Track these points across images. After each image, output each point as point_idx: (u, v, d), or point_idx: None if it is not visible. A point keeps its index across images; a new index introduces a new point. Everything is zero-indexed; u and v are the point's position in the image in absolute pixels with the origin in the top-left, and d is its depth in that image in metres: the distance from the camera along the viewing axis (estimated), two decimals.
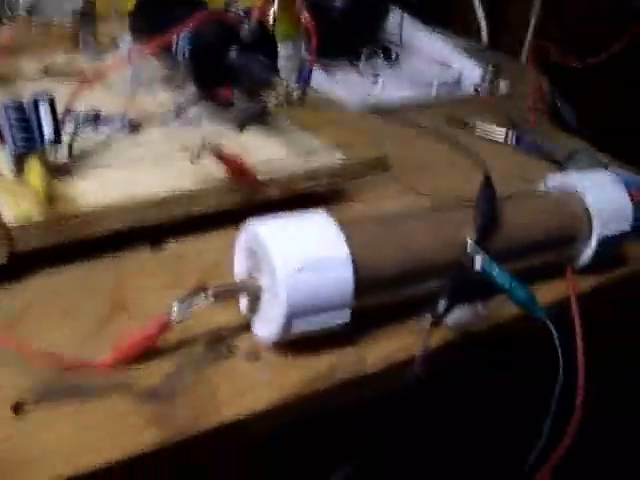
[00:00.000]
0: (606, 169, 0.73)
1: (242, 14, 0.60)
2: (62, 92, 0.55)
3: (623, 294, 0.62)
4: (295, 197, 0.59)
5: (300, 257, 0.43)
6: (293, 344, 0.46)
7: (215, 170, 0.55)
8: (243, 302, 0.48)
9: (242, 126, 0.54)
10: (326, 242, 0.44)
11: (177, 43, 0.61)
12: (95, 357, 0.42)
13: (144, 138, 0.61)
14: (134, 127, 0.61)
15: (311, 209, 0.47)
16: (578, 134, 0.85)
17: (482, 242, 0.50)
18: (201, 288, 0.44)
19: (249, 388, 0.44)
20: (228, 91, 0.61)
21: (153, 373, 0.43)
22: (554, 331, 0.47)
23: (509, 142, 0.82)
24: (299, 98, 0.54)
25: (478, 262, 0.49)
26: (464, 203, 0.53)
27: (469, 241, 0.49)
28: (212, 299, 0.44)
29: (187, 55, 0.60)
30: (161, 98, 0.67)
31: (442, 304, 0.46)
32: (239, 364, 0.45)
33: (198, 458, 0.42)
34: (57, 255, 0.50)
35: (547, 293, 0.57)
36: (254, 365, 0.45)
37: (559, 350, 0.46)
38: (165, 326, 0.44)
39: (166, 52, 0.64)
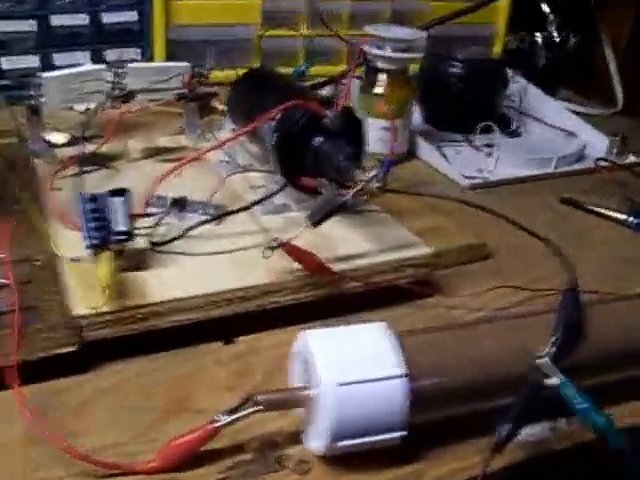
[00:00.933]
0: None
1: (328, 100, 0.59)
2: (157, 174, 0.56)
3: None
4: (380, 291, 0.57)
5: (346, 370, 0.41)
6: (346, 457, 0.44)
7: (292, 265, 0.54)
8: (299, 410, 0.46)
9: (316, 223, 0.53)
10: (379, 355, 0.42)
11: (265, 129, 0.61)
12: (141, 458, 0.42)
13: (227, 227, 0.60)
14: (218, 214, 0.61)
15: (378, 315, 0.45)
16: None
17: (560, 357, 0.45)
18: (250, 398, 0.43)
19: None
20: (313, 180, 0.60)
21: None
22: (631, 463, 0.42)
23: (629, 225, 0.75)
24: (379, 189, 0.52)
25: (552, 381, 0.44)
26: (546, 307, 0.49)
27: (544, 357, 0.45)
28: (260, 408, 0.42)
29: (273, 142, 0.60)
30: (252, 181, 0.67)
31: (506, 427, 0.42)
32: (287, 477, 0.43)
33: None
34: (126, 347, 0.51)
35: None
36: (302, 479, 0.43)
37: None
38: (210, 435, 0.43)
39: (258, 136, 0.64)
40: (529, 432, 0.48)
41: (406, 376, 0.41)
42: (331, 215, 0.53)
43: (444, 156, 0.84)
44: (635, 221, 0.75)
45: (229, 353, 0.53)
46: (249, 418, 0.44)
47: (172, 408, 0.47)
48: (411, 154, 0.88)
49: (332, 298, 0.55)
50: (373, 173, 0.53)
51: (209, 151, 0.64)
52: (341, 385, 0.41)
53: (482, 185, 0.81)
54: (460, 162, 0.84)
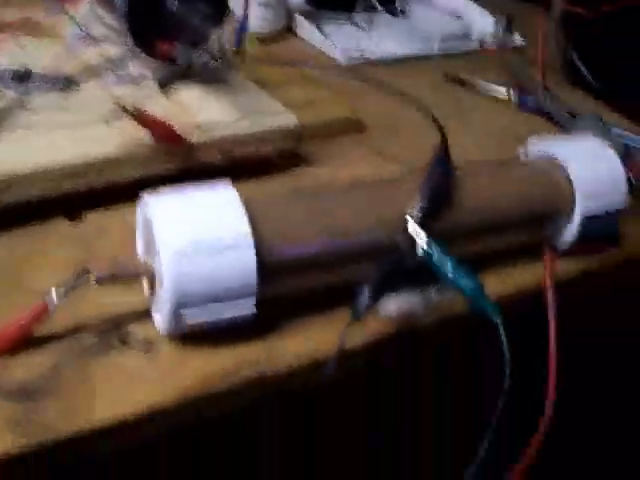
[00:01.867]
0: (610, 133, 0.64)
1: None
2: None
3: (615, 283, 0.54)
4: (244, 163, 0.53)
5: (189, 237, 0.37)
6: (194, 336, 0.40)
7: (141, 134, 0.49)
8: (145, 284, 0.42)
9: (164, 85, 0.48)
10: (224, 220, 0.38)
11: None
12: None
13: (75, 99, 0.54)
14: (67, 85, 0.54)
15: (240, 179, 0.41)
16: (595, 93, 0.76)
17: (426, 220, 0.42)
18: (84, 270, 0.38)
19: (134, 385, 0.38)
20: (169, 45, 0.54)
21: (25, 367, 0.38)
22: (502, 335, 0.39)
23: (512, 101, 0.73)
24: (235, 52, 0.47)
25: (419, 245, 0.41)
26: (413, 174, 0.45)
27: (409, 220, 0.41)
28: (94, 282, 0.38)
29: (124, 5, 0.54)
30: (108, 54, 0.61)
31: (365, 294, 0.39)
32: (130, 357, 0.39)
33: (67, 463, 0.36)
34: None
35: (519, 279, 0.49)
36: (146, 358, 0.39)
37: (506, 356, 0.39)
38: (41, 314, 0.38)
39: (111, 3, 0.57)
40: (396, 304, 0.45)
41: (253, 244, 0.37)
42: (180, 77, 0.48)
43: (323, 33, 0.79)
44: (516, 96, 0.72)
45: (74, 232, 0.48)
46: (90, 296, 0.40)
47: (11, 290, 0.42)
48: (290, 31, 0.83)
49: (190, 171, 0.51)
50: (225, 34, 0.48)
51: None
52: (181, 252, 0.36)
53: (362, 62, 0.76)
54: (340, 39, 0.79)
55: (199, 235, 0.37)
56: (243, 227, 0.37)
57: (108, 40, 0.63)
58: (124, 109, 0.46)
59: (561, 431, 0.47)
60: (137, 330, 0.41)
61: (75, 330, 0.40)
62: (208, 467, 0.51)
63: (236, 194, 0.39)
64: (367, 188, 0.44)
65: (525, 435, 0.43)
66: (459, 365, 0.56)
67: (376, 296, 0.39)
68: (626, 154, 0.62)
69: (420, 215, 0.42)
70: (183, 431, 0.39)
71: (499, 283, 0.48)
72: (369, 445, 0.62)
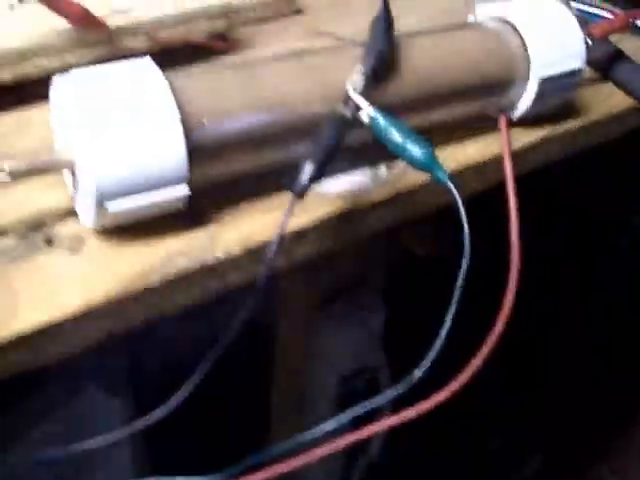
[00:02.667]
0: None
1: None
2: None
3: (573, 153, 0.51)
4: (172, 49, 0.49)
5: (106, 118, 0.33)
6: (125, 230, 0.36)
7: (53, 21, 0.44)
8: (68, 178, 0.38)
9: None
10: (145, 95, 0.34)
11: None
12: None
13: None
14: None
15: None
16: None
17: (370, 89, 0.38)
18: None
19: (60, 287, 0.34)
20: None
21: None
22: (457, 196, 0.36)
23: None
24: None
25: (364, 115, 0.38)
26: (353, 45, 0.42)
27: (350, 87, 0.38)
28: (7, 178, 0.34)
29: None
30: None
31: (308, 169, 0.35)
32: (55, 258, 0.36)
33: None
34: None
35: (474, 151, 0.46)
36: (73, 258, 0.36)
37: (464, 221, 0.36)
38: None
39: None
40: (346, 182, 0.42)
41: (179, 119, 0.33)
42: None
43: None
44: None
45: None
46: (9, 195, 0.37)
47: None
48: None
49: (111, 59, 0.46)
50: None
51: None
52: (100, 135, 0.33)
53: None
54: None
55: (117, 113, 0.33)
56: (168, 102, 0.33)
57: None
58: None
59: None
60: (63, 229, 0.37)
61: None
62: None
63: (156, 67, 0.35)
64: (305, 57, 0.40)
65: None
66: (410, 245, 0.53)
67: (319, 172, 0.35)
68: (581, 21, 0.58)
69: (363, 83, 0.38)
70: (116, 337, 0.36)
71: (452, 159, 0.45)
72: None
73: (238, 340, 0.35)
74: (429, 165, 0.36)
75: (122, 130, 0.33)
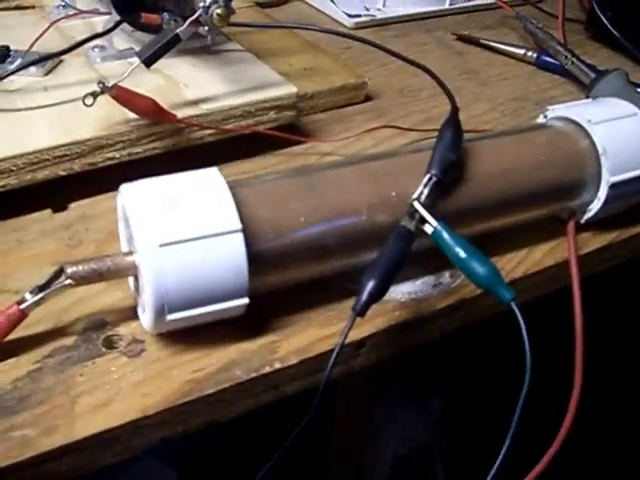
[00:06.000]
0: (636, 91, 0.59)
1: None
2: None
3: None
4: (239, 140, 0.49)
5: (169, 229, 0.33)
6: (185, 334, 0.36)
7: (123, 113, 0.45)
8: (131, 280, 0.38)
9: (147, 61, 0.44)
10: (208, 209, 0.34)
11: None
12: None
13: (57, 77, 0.51)
14: (50, 63, 0.51)
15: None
16: (620, 49, 0.70)
17: (435, 199, 0.38)
18: (60, 270, 0.35)
19: (117, 394, 0.34)
20: (154, 15, 0.50)
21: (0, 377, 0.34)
22: (520, 318, 0.35)
23: (529, 61, 0.68)
24: (222, 18, 0.43)
25: (428, 228, 0.37)
26: (420, 148, 0.41)
27: (416, 201, 0.37)
28: (70, 282, 0.34)
29: None
30: (96, 28, 0.57)
31: (370, 287, 0.35)
32: (114, 361, 0.36)
33: None
34: None
35: (541, 255, 0.45)
36: (131, 363, 0.36)
37: (526, 343, 0.35)
38: (16, 317, 0.35)
39: None
40: (408, 290, 0.41)
41: (242, 231, 0.34)
42: (165, 50, 0.44)
43: None
44: (534, 55, 0.67)
45: (58, 222, 0.45)
46: (75, 295, 0.37)
47: None
48: None
49: (180, 151, 0.47)
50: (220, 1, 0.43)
51: None
52: (163, 246, 0.33)
53: (369, 24, 0.72)
54: (345, 1, 0.74)
55: (179, 225, 0.33)
56: (229, 213, 0.34)
57: (95, 12, 0.58)
58: (104, 86, 0.42)
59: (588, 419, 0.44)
60: (123, 331, 0.37)
61: (55, 334, 0.37)
62: None
63: (221, 177, 0.35)
64: (368, 165, 0.40)
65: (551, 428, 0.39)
66: (478, 354, 0.52)
67: (381, 291, 0.35)
68: None
69: (428, 195, 0.38)
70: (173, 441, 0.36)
71: (517, 262, 0.44)
72: None
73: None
74: (492, 285, 0.36)
75: (186, 243, 0.33)
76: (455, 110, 0.41)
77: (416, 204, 0.37)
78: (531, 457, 0.38)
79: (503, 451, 0.35)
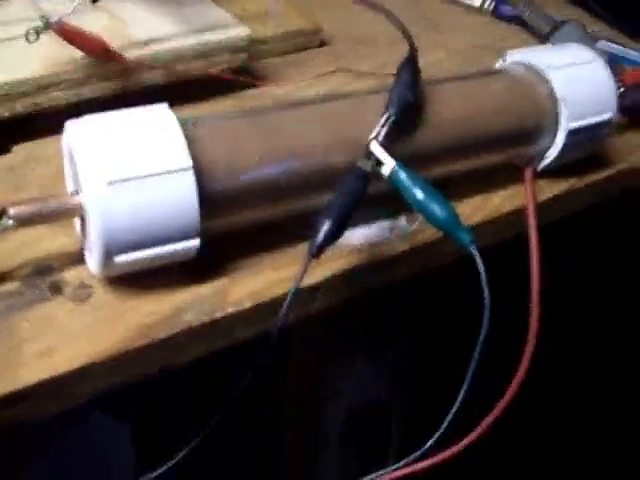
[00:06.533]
0: (594, 43, 0.59)
1: None
2: None
3: (601, 204, 0.49)
4: (190, 83, 0.47)
5: (116, 166, 0.31)
6: (134, 277, 0.35)
7: (69, 52, 0.43)
8: (77, 222, 0.37)
9: None
10: (157, 145, 0.33)
11: None
12: None
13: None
14: None
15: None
16: (579, 1, 0.70)
17: (392, 140, 0.37)
18: (2, 212, 0.33)
19: (64, 341, 0.33)
20: None
21: None
22: (479, 262, 0.35)
23: (487, 10, 0.67)
24: None
25: (385, 169, 0.36)
26: (376, 91, 0.40)
27: (372, 141, 0.36)
28: (12, 224, 0.33)
29: None
30: None
31: (325, 229, 0.34)
32: (61, 307, 0.35)
33: None
34: None
35: (499, 202, 0.45)
36: (78, 308, 0.34)
37: (485, 288, 0.34)
38: None
39: None
40: (364, 234, 0.41)
41: (192, 169, 0.32)
42: None
43: None
44: (492, 4, 0.66)
45: (2, 164, 0.42)
46: (19, 239, 0.36)
47: None
48: None
49: (128, 93, 0.45)
50: None
51: None
52: (110, 184, 0.31)
53: None
54: None
55: (127, 163, 0.32)
56: (179, 151, 0.32)
57: None
58: (48, 24, 0.40)
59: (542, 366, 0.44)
60: (70, 274, 0.36)
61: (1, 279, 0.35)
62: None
63: (171, 115, 0.34)
64: (324, 106, 0.39)
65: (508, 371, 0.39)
66: (434, 303, 0.52)
67: (336, 233, 0.34)
68: (612, 66, 0.57)
69: (385, 136, 0.37)
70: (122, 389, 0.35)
71: (475, 208, 0.43)
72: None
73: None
74: (451, 228, 0.35)
75: (134, 181, 0.32)
76: (413, 50, 0.40)
77: (373, 144, 0.36)
78: (486, 408, 0.38)
79: (460, 398, 0.35)
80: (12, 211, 0.33)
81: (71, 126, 0.33)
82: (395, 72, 0.40)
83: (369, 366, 0.69)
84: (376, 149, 0.36)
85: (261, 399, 0.69)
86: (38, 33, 0.41)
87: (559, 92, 0.43)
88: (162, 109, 0.34)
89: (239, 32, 0.48)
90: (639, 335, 0.81)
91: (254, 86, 0.49)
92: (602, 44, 0.61)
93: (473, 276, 0.35)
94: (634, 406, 0.87)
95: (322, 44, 0.57)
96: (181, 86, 0.47)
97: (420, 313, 0.66)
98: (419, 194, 0.35)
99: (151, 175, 0.32)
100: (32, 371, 0.32)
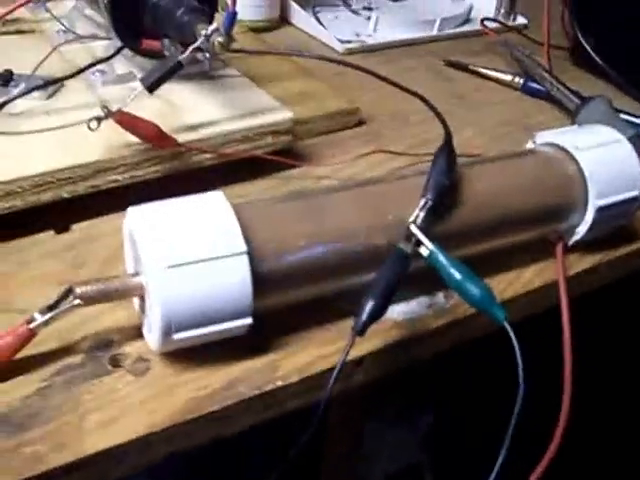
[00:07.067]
0: (619, 117, 0.61)
1: None
2: None
3: (627, 274, 0.51)
4: (238, 164, 0.50)
5: (176, 251, 0.34)
6: (189, 352, 0.37)
7: (125, 137, 0.46)
8: (136, 301, 0.39)
9: (149, 84, 0.45)
10: (214, 232, 0.35)
11: None
12: None
13: (59, 101, 0.52)
14: (52, 87, 0.52)
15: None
16: (604, 76, 0.72)
17: (431, 222, 0.39)
18: (68, 290, 0.36)
19: (124, 411, 0.35)
20: (155, 41, 0.51)
21: (10, 395, 0.36)
22: (514, 338, 0.37)
23: (516, 86, 0.70)
24: (221, 45, 0.44)
25: (423, 250, 0.39)
26: (415, 172, 0.43)
27: (412, 224, 0.39)
28: (79, 302, 0.36)
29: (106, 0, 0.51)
30: (96, 53, 0.58)
31: (369, 308, 0.36)
32: (121, 379, 0.37)
33: None
34: None
35: (530, 276, 0.47)
36: (138, 381, 0.37)
37: (519, 363, 0.36)
38: (25, 337, 0.36)
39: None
40: (404, 310, 0.43)
41: (247, 253, 0.35)
42: (168, 77, 0.45)
43: (319, 21, 0.76)
44: (521, 81, 0.69)
45: (61, 243, 0.46)
46: (81, 314, 0.38)
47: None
48: (285, 21, 0.80)
49: (180, 174, 0.48)
50: (213, 27, 0.45)
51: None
52: (170, 267, 0.34)
53: (360, 49, 0.74)
54: (337, 27, 0.76)
55: (186, 248, 0.34)
56: (235, 236, 0.35)
57: (95, 38, 0.60)
58: (108, 111, 0.44)
59: (578, 435, 0.45)
60: (129, 349, 0.38)
61: (63, 353, 0.38)
62: None
63: (226, 201, 0.36)
64: (366, 189, 0.42)
65: (543, 441, 0.41)
66: (472, 371, 0.53)
67: (380, 311, 0.36)
68: (638, 138, 0.59)
69: (423, 219, 0.39)
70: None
71: (508, 283, 0.46)
72: None
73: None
74: (485, 306, 0.37)
75: (192, 265, 0.34)
76: (449, 136, 0.43)
77: (412, 227, 0.39)
78: (523, 473, 0.39)
79: (496, 467, 0.36)
80: (78, 290, 0.36)
81: (133, 212, 0.36)
82: (432, 155, 0.43)
83: (403, 432, 0.70)
84: (415, 232, 0.38)
85: (298, 464, 0.71)
86: (99, 121, 0.44)
87: (587, 171, 0.46)
88: (217, 196, 0.37)
89: (282, 115, 0.51)
90: None
91: (296, 166, 0.52)
92: (626, 116, 0.63)
93: (506, 348, 0.37)
94: None
95: (359, 123, 0.59)
96: (228, 167, 0.50)
97: (452, 381, 0.67)
98: (456, 275, 0.38)
99: (208, 259, 0.34)
100: (95, 440, 0.34)
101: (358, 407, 0.65)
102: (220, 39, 0.45)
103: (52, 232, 0.46)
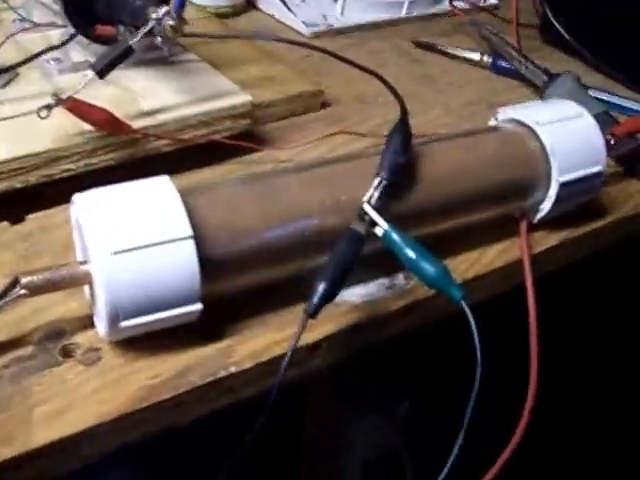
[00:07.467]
0: (587, 93, 0.60)
1: None
2: None
3: (594, 252, 0.51)
4: (195, 149, 0.50)
5: (121, 237, 0.33)
6: (140, 340, 0.37)
7: (78, 125, 0.45)
8: (87, 289, 0.38)
9: (101, 72, 0.44)
10: (159, 217, 0.34)
11: None
12: None
13: (13, 90, 0.51)
14: (6, 75, 0.51)
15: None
16: (576, 54, 0.72)
17: (385, 202, 0.39)
18: (15, 280, 0.35)
19: (74, 402, 0.34)
20: (109, 27, 0.50)
21: None
22: (471, 318, 0.36)
23: (485, 65, 0.69)
24: (173, 28, 0.43)
25: (378, 230, 0.38)
26: (369, 153, 0.42)
27: (366, 203, 0.38)
28: (25, 292, 0.35)
29: None
30: (53, 41, 0.57)
31: (321, 289, 0.35)
32: (71, 370, 0.36)
33: None
34: None
35: (494, 255, 0.46)
36: (89, 370, 0.36)
37: (476, 342, 0.36)
38: None
39: None
40: (362, 292, 0.42)
41: (192, 237, 0.34)
42: (119, 61, 0.45)
43: (286, 5, 0.75)
44: (490, 60, 0.69)
45: (15, 234, 0.45)
46: (33, 305, 0.38)
47: None
48: (251, 4, 0.79)
49: (137, 161, 0.47)
50: (163, 10, 0.44)
51: None
52: (115, 254, 0.33)
53: (327, 32, 0.73)
54: (304, 10, 0.75)
55: (130, 233, 0.34)
56: (180, 221, 0.34)
57: (52, 26, 0.59)
58: (58, 99, 0.43)
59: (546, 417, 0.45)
60: (80, 339, 0.38)
61: (12, 345, 0.37)
62: None
63: (172, 186, 0.36)
64: (321, 169, 0.41)
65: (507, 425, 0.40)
66: (432, 353, 0.53)
67: (332, 292, 0.35)
68: (606, 114, 0.59)
69: (377, 198, 0.38)
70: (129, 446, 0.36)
71: (471, 263, 0.45)
72: None
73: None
74: (442, 285, 0.36)
75: (138, 250, 0.34)
76: (405, 114, 0.42)
77: (366, 207, 0.38)
78: (490, 455, 0.38)
79: (454, 451, 0.35)
80: (24, 280, 0.35)
81: (78, 199, 0.35)
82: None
83: (380, 418, 0.70)
84: (369, 211, 0.38)
85: (278, 453, 0.70)
86: (50, 109, 0.43)
87: (549, 146, 0.45)
88: (163, 181, 0.36)
89: (240, 99, 0.50)
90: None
91: (257, 150, 0.51)
92: (595, 93, 0.62)
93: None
94: None
95: (324, 107, 0.59)
96: (185, 153, 0.49)
97: (428, 365, 0.67)
98: (410, 254, 0.37)
99: (153, 244, 0.34)
100: (44, 432, 0.33)
101: (333, 397, 0.65)
102: (172, 22, 0.44)
103: (6, 223, 0.45)
